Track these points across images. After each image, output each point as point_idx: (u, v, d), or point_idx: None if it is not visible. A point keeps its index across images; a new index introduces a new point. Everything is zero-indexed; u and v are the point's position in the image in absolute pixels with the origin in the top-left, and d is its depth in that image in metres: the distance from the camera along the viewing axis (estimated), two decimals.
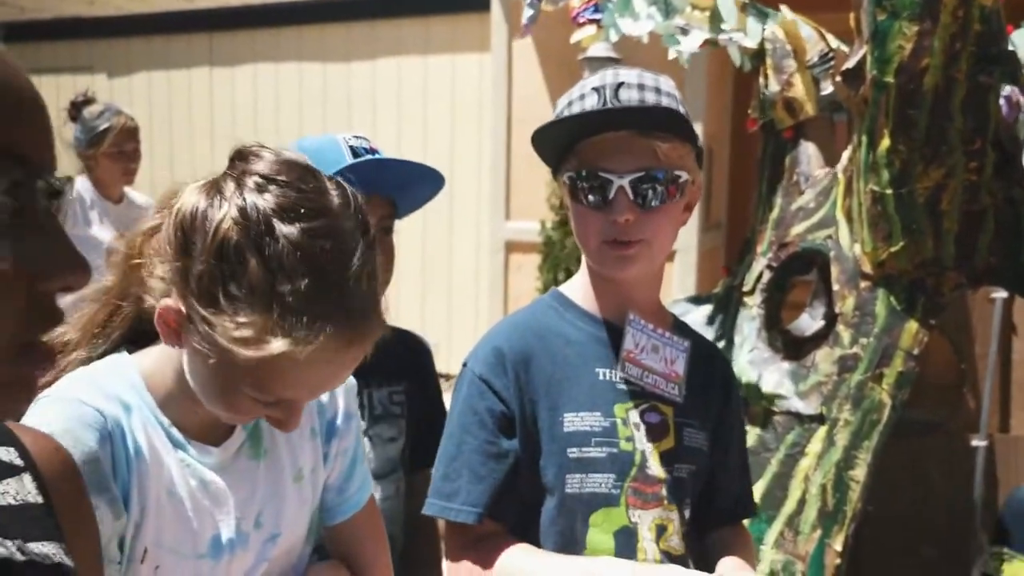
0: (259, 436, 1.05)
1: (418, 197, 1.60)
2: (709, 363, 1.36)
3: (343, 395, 1.14)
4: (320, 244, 0.85)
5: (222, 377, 0.89)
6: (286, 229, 0.84)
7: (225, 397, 0.91)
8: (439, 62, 6.75)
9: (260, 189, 0.86)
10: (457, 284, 6.70)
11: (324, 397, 1.11)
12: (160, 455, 0.94)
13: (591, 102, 1.21)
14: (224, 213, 0.85)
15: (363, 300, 0.89)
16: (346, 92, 7.10)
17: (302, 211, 0.86)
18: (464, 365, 1.29)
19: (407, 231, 7.09)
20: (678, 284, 5.97)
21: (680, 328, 1.35)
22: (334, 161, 1.41)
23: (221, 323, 0.85)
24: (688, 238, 5.92)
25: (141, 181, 8.35)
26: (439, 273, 6.79)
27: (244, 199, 0.85)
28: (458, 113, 6.66)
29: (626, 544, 1.21)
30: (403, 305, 6.62)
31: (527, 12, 2.43)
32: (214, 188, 0.88)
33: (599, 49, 5.68)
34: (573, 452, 1.22)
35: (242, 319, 0.84)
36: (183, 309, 0.88)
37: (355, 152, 1.49)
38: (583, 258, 1.30)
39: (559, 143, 1.24)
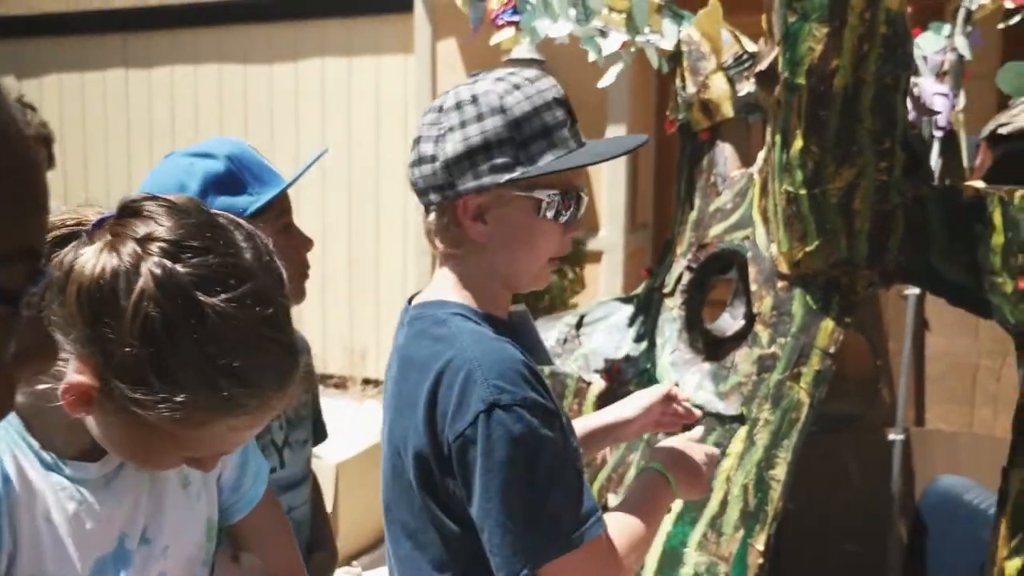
0: None
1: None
2: None
3: None
4: (250, 313, 0.81)
5: (144, 440, 0.85)
6: (212, 301, 0.80)
7: (146, 456, 0.88)
8: (363, 64, 6.66)
9: (172, 258, 0.80)
10: (385, 288, 6.62)
11: None
12: (31, 481, 0.88)
13: (561, 115, 1.19)
14: (140, 290, 0.79)
15: (293, 356, 0.86)
16: (268, 94, 6.96)
17: (226, 280, 0.81)
18: (491, 408, 1.08)
19: (332, 235, 7.02)
20: (604, 284, 6.00)
21: None
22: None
23: (154, 404, 0.80)
24: (614, 239, 5.96)
25: (53, 191, 8.08)
26: (366, 277, 6.70)
27: (158, 271, 0.79)
28: (383, 115, 6.58)
29: None
30: (330, 311, 6.52)
31: (472, 13, 2.41)
32: (115, 254, 0.81)
33: (522, 51, 5.67)
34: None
35: (180, 399, 0.80)
36: (98, 385, 0.82)
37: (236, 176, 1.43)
38: (464, 273, 1.23)
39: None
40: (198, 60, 7.15)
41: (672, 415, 1.51)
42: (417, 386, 1.16)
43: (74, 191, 7.84)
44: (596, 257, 6.00)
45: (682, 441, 1.40)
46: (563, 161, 1.16)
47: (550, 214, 1.18)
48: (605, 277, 6.01)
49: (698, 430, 1.46)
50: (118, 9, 7.40)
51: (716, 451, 1.44)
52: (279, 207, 1.46)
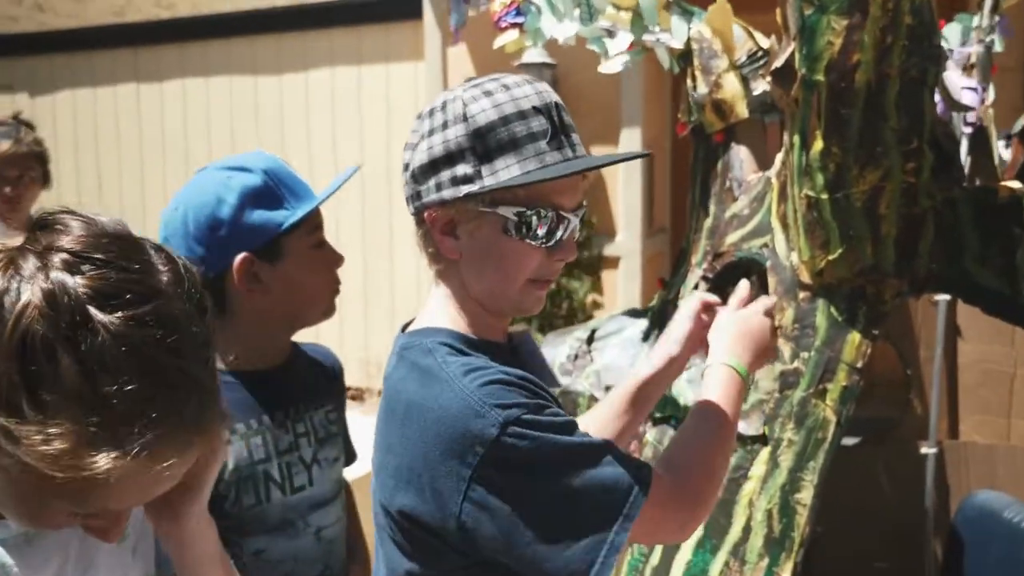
0: None
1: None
2: None
3: None
4: (149, 334, 0.71)
5: (25, 489, 0.73)
6: (105, 318, 0.70)
7: (30, 512, 0.75)
8: (373, 72, 6.59)
9: (70, 269, 0.71)
10: (400, 300, 6.54)
11: None
12: None
13: (539, 125, 1.06)
14: (26, 300, 0.69)
15: (201, 393, 0.74)
16: (279, 105, 6.90)
17: (125, 295, 0.71)
18: (499, 434, 1.01)
19: (347, 247, 6.99)
20: (622, 290, 5.88)
21: None
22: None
23: (27, 436, 0.69)
24: (632, 244, 5.84)
25: (68, 204, 8.09)
26: (381, 290, 6.61)
27: (50, 281, 0.70)
28: (394, 123, 6.50)
29: None
30: (346, 324, 6.44)
31: (454, 18, 2.30)
32: (9, 266, 0.72)
33: (533, 55, 5.57)
34: None
35: (54, 430, 0.68)
36: None
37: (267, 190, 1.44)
38: (450, 292, 1.16)
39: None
40: (208, 72, 7.12)
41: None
42: (401, 433, 1.10)
43: (90, 204, 7.78)
44: (614, 263, 5.89)
45: (729, 315, 1.32)
46: (523, 176, 1.05)
47: (518, 234, 1.08)
48: (623, 283, 5.90)
49: (741, 288, 1.37)
50: (128, 24, 7.39)
51: (772, 300, 1.36)
52: (312, 223, 1.46)
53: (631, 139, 5.77)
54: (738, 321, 1.29)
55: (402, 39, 6.39)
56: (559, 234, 1.09)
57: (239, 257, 1.39)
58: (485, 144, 1.06)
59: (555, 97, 1.10)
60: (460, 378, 1.04)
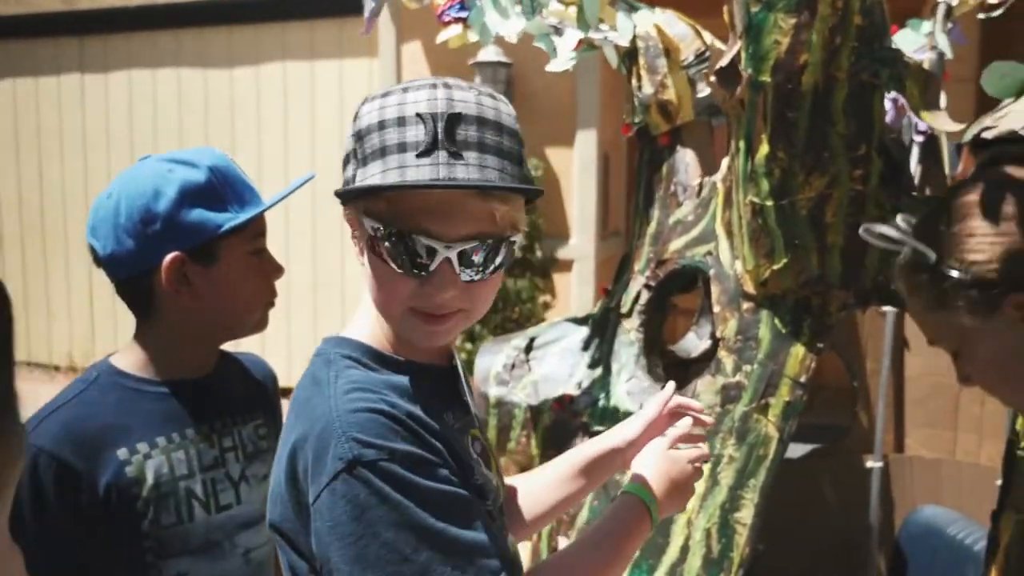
0: None
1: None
2: None
3: None
4: None
5: None
6: None
7: None
8: (326, 67, 6.44)
9: None
10: (351, 300, 6.40)
11: None
12: None
13: (415, 135, 0.93)
14: None
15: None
16: (229, 98, 6.72)
17: None
18: (352, 466, 0.90)
19: (296, 245, 6.82)
20: (576, 294, 5.80)
21: None
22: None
23: None
24: (586, 247, 5.77)
25: (7, 199, 7.78)
26: (331, 288, 6.47)
27: None
28: (346, 119, 6.33)
29: None
30: (294, 323, 6.29)
31: (367, 4, 2.18)
32: None
33: (489, 54, 5.48)
34: (490, 506, 1.04)
35: None
36: None
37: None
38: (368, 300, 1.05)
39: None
40: (156, 64, 6.91)
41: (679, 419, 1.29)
42: (283, 445, 0.99)
43: (30, 199, 7.57)
44: (567, 266, 5.81)
45: (661, 451, 1.20)
46: (359, 184, 0.95)
47: (376, 254, 0.98)
48: (576, 287, 5.82)
49: (682, 424, 1.25)
50: (72, 11, 7.13)
51: (704, 451, 1.23)
52: (254, 229, 1.36)
53: (587, 141, 5.70)
54: (667, 460, 1.18)
55: (356, 34, 6.26)
56: (428, 264, 0.95)
57: (170, 256, 1.29)
58: (363, 148, 0.96)
59: (462, 108, 0.94)
60: (340, 396, 0.95)
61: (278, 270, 1.41)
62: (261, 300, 1.40)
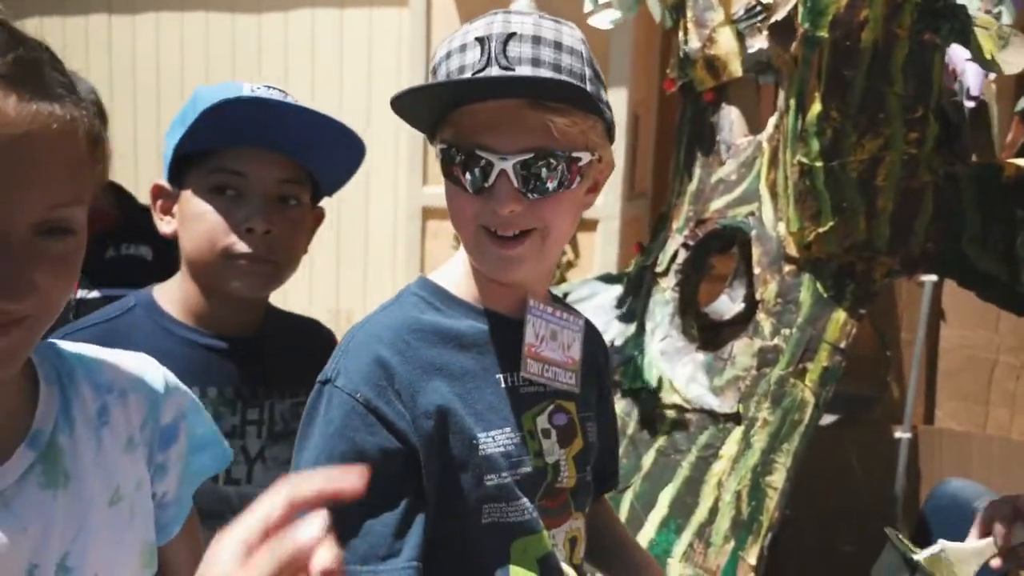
0: (56, 457, 0.78)
1: (334, 163, 1.30)
2: (592, 341, 1.16)
3: (168, 392, 0.91)
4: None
5: None
6: None
7: None
8: (355, 15, 6.37)
9: None
10: (373, 252, 6.38)
11: (145, 400, 0.88)
12: None
13: (472, 57, 0.94)
14: None
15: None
16: (256, 44, 6.67)
17: None
18: (327, 382, 0.97)
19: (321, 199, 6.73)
20: (600, 255, 5.76)
21: (560, 302, 1.16)
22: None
23: None
24: (611, 207, 5.70)
25: None
26: (355, 241, 6.45)
27: None
28: (375, 70, 6.29)
29: (548, 574, 1.03)
30: (317, 274, 6.28)
31: None
32: None
33: (521, 5, 5.38)
34: (491, 479, 0.99)
35: None
36: None
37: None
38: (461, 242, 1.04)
39: (432, 105, 0.98)
40: (184, 7, 6.85)
41: None
42: None
43: None
44: (591, 225, 5.75)
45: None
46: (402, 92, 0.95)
47: (446, 174, 0.99)
48: (601, 247, 5.77)
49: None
50: None
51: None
52: (214, 164, 1.23)
53: (617, 100, 5.61)
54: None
55: None
56: (484, 178, 0.95)
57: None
58: (436, 79, 0.99)
59: (518, 28, 0.94)
60: (370, 318, 1.03)
61: (251, 219, 1.20)
62: (216, 245, 1.21)
